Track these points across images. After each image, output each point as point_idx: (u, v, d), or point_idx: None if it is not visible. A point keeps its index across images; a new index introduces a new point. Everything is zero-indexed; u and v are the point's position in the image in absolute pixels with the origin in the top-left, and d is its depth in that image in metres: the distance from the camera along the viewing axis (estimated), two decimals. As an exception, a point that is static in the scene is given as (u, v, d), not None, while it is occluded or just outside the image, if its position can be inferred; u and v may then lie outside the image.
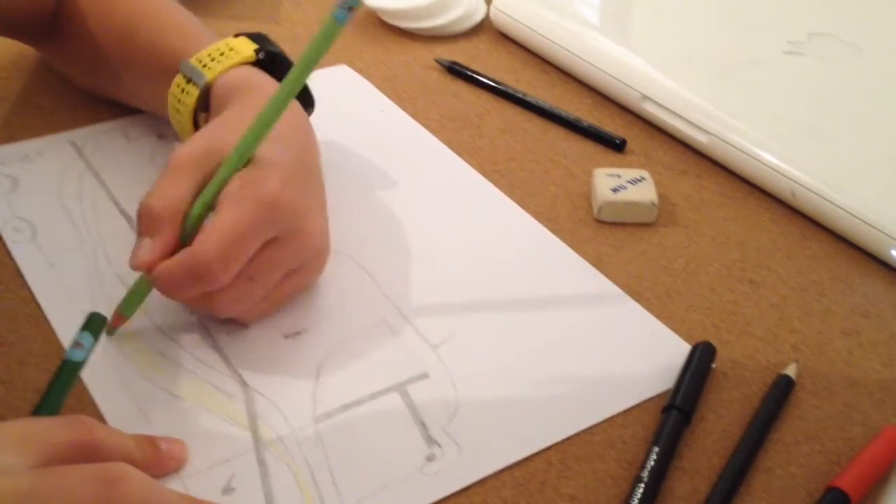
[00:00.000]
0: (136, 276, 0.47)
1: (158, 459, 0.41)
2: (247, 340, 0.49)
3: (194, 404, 0.45)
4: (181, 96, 0.54)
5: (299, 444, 0.44)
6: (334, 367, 0.48)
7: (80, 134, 0.62)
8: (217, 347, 0.48)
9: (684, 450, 0.46)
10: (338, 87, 0.69)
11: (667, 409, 0.47)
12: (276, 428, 0.45)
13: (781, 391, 0.49)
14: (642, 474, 0.44)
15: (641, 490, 0.43)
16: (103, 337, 0.43)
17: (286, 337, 0.49)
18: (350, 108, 0.67)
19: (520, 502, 0.43)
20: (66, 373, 0.41)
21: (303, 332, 0.50)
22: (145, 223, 0.45)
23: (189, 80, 0.54)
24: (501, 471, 0.44)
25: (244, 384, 0.47)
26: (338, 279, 0.53)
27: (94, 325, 0.43)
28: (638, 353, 0.50)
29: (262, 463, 0.43)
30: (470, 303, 0.52)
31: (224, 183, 0.45)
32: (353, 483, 0.43)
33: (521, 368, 0.49)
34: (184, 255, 0.44)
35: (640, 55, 0.68)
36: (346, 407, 0.46)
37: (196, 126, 0.55)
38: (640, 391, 0.48)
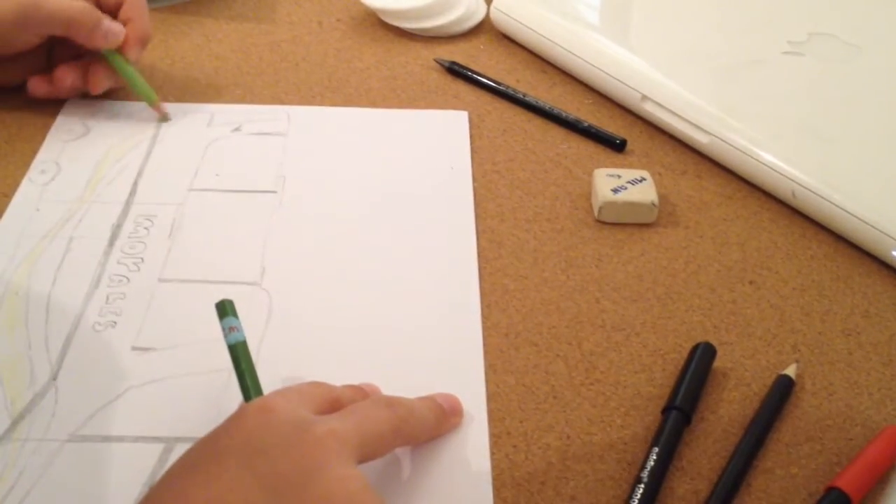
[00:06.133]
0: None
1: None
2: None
3: None
4: None
5: None
6: None
7: (174, 107, 0.66)
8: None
9: (684, 450, 0.46)
10: (437, 132, 0.66)
11: (667, 410, 0.47)
12: None
13: (781, 391, 0.49)
14: (642, 475, 0.44)
15: (641, 491, 0.43)
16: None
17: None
18: (426, 153, 0.64)
19: (520, 502, 0.43)
20: (243, 354, 0.44)
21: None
22: None
23: None
24: (502, 471, 0.44)
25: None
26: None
27: (230, 308, 0.45)
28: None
29: None
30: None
31: None
32: None
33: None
34: None
35: (640, 55, 0.68)
36: None
37: None
38: None
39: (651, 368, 0.50)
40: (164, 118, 0.65)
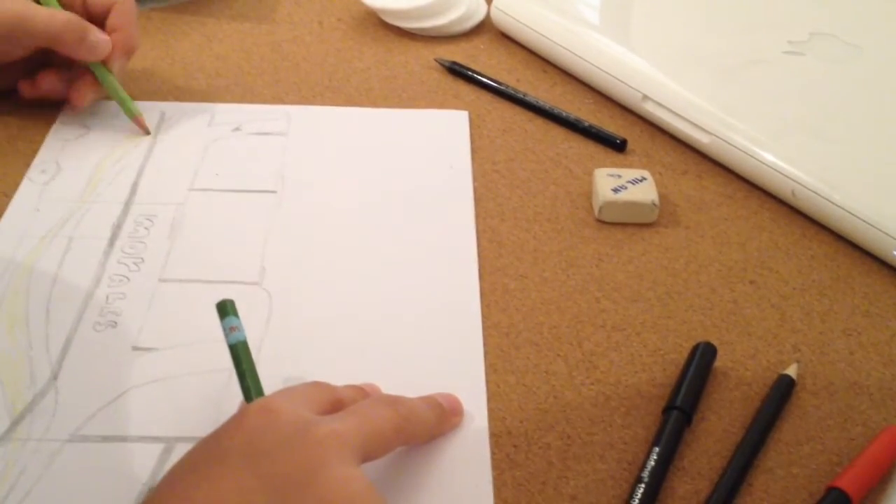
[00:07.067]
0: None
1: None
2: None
3: None
4: None
5: None
6: None
7: (174, 106, 0.66)
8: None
9: (685, 450, 0.46)
10: (437, 132, 0.66)
11: (667, 410, 0.47)
12: None
13: (782, 391, 0.49)
14: (643, 475, 0.44)
15: (642, 490, 0.43)
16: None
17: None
18: (426, 153, 0.64)
19: (520, 502, 0.43)
20: (244, 354, 0.43)
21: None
22: None
23: None
24: (502, 471, 0.44)
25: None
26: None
27: (231, 308, 0.44)
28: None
29: None
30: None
31: None
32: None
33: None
34: None
35: (641, 55, 0.68)
36: None
37: None
38: None
39: (651, 368, 0.50)
40: (145, 132, 0.64)
